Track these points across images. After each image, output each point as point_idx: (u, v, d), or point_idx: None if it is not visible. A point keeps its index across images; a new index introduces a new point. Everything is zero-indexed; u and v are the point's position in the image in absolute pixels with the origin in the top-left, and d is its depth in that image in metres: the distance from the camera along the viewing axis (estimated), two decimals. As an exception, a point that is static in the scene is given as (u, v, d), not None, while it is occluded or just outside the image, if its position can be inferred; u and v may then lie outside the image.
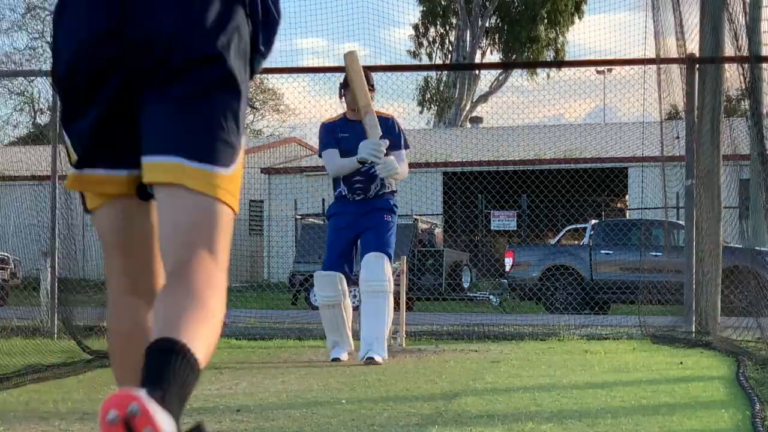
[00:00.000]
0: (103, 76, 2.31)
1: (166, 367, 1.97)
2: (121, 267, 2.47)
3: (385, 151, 7.08)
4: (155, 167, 2.28)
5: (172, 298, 2.13)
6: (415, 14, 40.68)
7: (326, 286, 7.38)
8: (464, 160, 25.94)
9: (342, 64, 7.43)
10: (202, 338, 2.05)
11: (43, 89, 43.46)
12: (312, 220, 19.60)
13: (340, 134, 7.39)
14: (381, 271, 7.26)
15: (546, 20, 38.86)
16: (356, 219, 7.41)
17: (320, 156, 7.61)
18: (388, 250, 7.36)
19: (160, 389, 1.92)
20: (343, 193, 7.47)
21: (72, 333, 8.66)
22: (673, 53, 9.97)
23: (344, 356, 7.43)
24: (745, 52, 8.04)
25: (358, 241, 7.48)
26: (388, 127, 7.30)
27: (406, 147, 7.53)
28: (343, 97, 7.50)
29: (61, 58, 2.38)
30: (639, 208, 23.39)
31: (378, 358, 7.15)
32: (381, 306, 7.27)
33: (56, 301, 9.83)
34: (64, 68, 2.37)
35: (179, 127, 2.26)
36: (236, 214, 2.34)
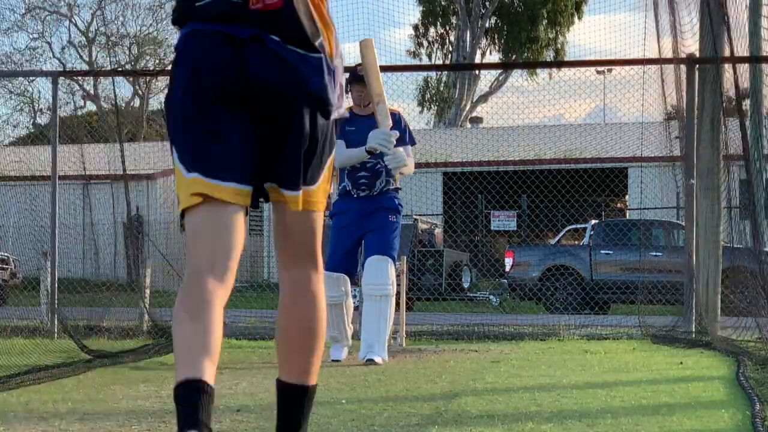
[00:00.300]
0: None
1: (301, 413, 2.98)
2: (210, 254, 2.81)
3: (394, 143, 7.04)
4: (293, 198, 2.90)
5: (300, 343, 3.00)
6: (415, 14, 40.71)
7: (330, 287, 7.32)
8: (464, 160, 25.94)
9: (343, 63, 7.42)
10: (317, 367, 3.00)
11: (44, 89, 43.52)
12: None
13: (347, 128, 7.34)
14: (384, 275, 7.26)
15: (546, 20, 38.87)
16: (360, 218, 7.38)
17: None
18: (392, 252, 7.35)
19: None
20: (347, 189, 7.42)
21: (69, 333, 8.66)
22: (674, 53, 9.98)
23: (343, 355, 7.43)
24: (745, 52, 8.05)
25: (362, 241, 7.45)
26: (395, 122, 7.22)
27: (413, 143, 7.48)
28: (350, 92, 7.46)
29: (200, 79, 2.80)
30: (639, 208, 23.41)
31: (378, 360, 7.15)
32: (383, 309, 7.28)
33: (56, 301, 9.84)
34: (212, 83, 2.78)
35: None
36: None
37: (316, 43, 2.82)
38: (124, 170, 10.26)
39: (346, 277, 7.39)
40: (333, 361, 7.33)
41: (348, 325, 7.49)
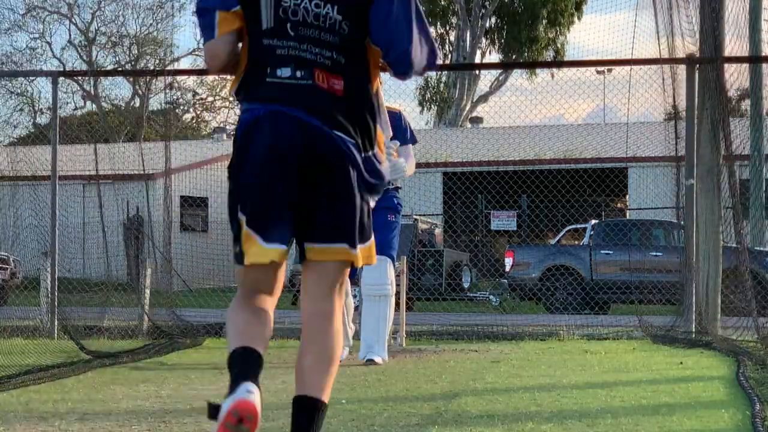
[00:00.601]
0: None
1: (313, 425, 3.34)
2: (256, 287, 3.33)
3: (394, 153, 7.04)
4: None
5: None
6: (414, 15, 40.57)
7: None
8: (464, 160, 25.92)
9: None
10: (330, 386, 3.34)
11: (44, 89, 43.55)
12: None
13: None
14: (384, 275, 7.27)
15: (546, 20, 38.85)
16: None
17: None
18: (391, 252, 7.36)
19: None
20: None
21: (69, 333, 8.66)
22: (674, 53, 9.98)
23: (344, 355, 7.43)
24: (745, 52, 8.05)
25: None
26: (396, 120, 7.25)
27: (414, 142, 7.49)
28: None
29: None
30: (639, 208, 23.41)
31: (378, 360, 7.15)
32: (383, 309, 7.30)
33: (56, 301, 9.83)
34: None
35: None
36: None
37: (368, 154, 3.30)
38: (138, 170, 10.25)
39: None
40: None
41: (349, 325, 7.48)
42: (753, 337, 8.11)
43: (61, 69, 36.98)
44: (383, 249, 7.31)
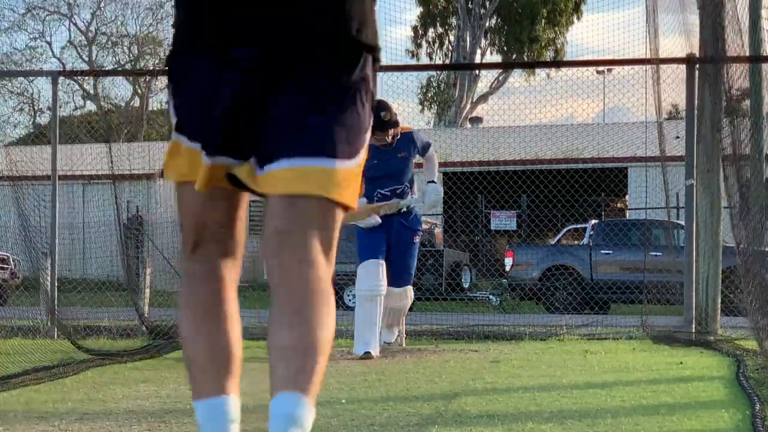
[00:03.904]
0: None
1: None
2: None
3: (422, 200, 7.82)
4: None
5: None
6: (414, 14, 40.70)
7: (372, 275, 7.62)
8: (464, 160, 25.92)
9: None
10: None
11: (44, 89, 43.55)
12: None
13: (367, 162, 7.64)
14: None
15: (545, 20, 38.84)
16: (389, 223, 7.76)
17: None
18: (410, 278, 7.96)
19: None
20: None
21: (67, 334, 8.65)
22: (674, 53, 9.98)
23: (375, 351, 7.63)
24: (745, 52, 8.04)
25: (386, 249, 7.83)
26: (408, 141, 7.78)
27: (429, 145, 8.02)
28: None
29: None
30: (639, 208, 23.40)
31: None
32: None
33: (55, 301, 9.83)
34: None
35: None
36: None
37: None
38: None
39: (384, 264, 7.69)
40: (364, 354, 7.55)
41: (379, 326, 7.82)
42: (753, 337, 8.10)
43: (61, 69, 36.99)
44: (405, 278, 7.90)
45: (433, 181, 8.02)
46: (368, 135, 2.50)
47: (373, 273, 7.60)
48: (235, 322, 2.55)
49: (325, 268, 2.34)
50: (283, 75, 2.37)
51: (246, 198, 2.60)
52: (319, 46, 2.38)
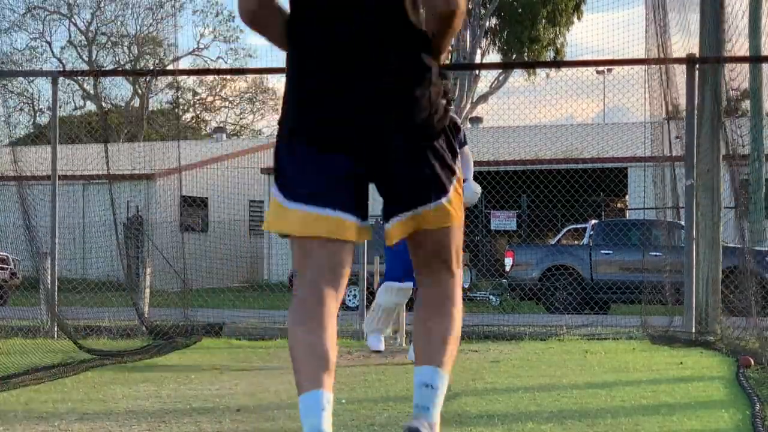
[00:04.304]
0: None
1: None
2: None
3: None
4: None
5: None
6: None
7: (401, 296, 7.65)
8: (464, 160, 25.90)
9: None
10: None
11: (44, 89, 43.56)
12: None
13: None
14: (401, 300, 7.84)
15: (545, 20, 38.83)
16: None
17: None
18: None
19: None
20: None
21: (68, 333, 8.65)
22: (673, 53, 9.98)
23: (381, 346, 7.95)
24: (745, 52, 8.04)
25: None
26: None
27: (465, 141, 7.37)
28: None
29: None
30: (639, 208, 23.39)
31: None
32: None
33: (56, 301, 9.83)
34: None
35: None
36: None
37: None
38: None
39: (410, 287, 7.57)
40: (376, 351, 7.83)
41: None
42: (753, 337, 8.10)
43: (61, 69, 36.98)
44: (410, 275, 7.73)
45: (465, 179, 7.84)
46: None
47: (395, 295, 7.62)
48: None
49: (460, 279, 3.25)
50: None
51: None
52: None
